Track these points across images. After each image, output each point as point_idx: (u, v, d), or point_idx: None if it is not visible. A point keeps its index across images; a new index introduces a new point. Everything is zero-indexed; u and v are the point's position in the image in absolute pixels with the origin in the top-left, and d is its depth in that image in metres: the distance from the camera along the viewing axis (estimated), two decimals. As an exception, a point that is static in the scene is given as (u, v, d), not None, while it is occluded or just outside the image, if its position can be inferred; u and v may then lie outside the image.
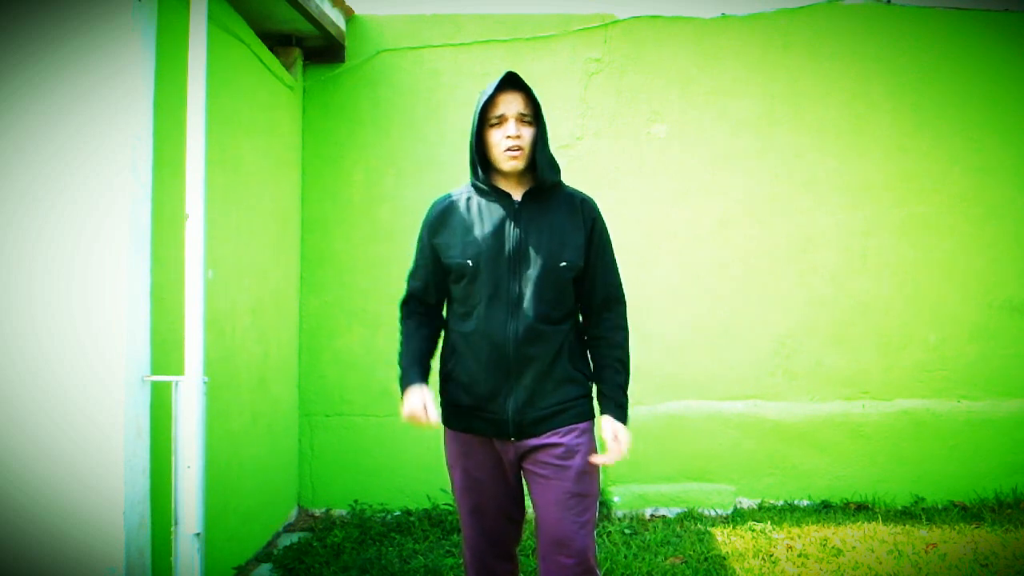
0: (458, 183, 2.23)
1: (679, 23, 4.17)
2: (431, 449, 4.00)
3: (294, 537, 3.71)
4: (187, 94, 2.19)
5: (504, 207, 2.05)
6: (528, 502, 2.16)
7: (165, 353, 2.48)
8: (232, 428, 3.21)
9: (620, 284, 2.17)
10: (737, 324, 4.14)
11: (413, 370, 2.07)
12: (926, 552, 3.42)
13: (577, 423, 2.05)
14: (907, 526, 3.76)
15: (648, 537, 3.63)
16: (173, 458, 2.16)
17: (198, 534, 2.15)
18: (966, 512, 3.95)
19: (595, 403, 2.13)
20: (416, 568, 3.29)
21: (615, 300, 2.14)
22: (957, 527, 3.73)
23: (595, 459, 2.04)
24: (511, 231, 2.03)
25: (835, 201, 4.16)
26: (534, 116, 2.04)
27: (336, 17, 3.97)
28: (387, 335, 4.09)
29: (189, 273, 2.18)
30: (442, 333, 2.21)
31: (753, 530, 3.71)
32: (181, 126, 2.24)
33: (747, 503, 4.10)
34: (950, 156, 4.17)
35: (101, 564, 2.10)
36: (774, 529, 3.73)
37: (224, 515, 3.10)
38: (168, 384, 2.22)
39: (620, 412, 2.08)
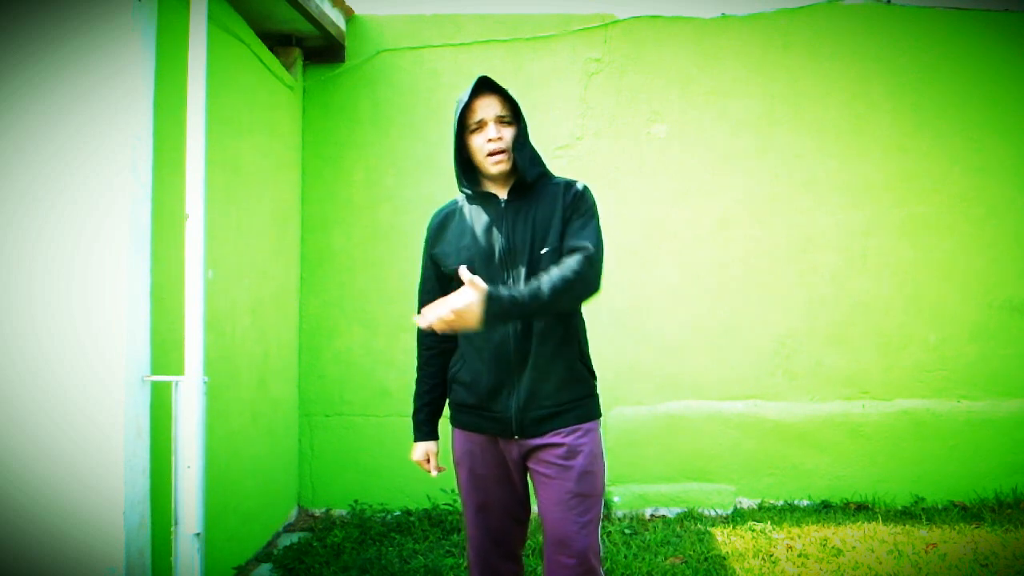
0: (442, 204, 2.25)
1: (679, 23, 4.17)
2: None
3: (294, 537, 3.71)
4: (187, 94, 2.19)
5: (492, 208, 2.08)
6: (532, 502, 2.17)
7: (165, 353, 2.48)
8: (232, 428, 3.21)
9: (597, 244, 1.99)
10: (737, 324, 4.14)
11: (420, 416, 2.23)
12: (926, 552, 3.42)
13: (580, 423, 2.05)
14: (907, 526, 3.76)
15: (648, 537, 3.63)
16: (173, 458, 2.16)
17: (198, 534, 2.15)
18: (966, 512, 3.95)
19: (599, 402, 2.14)
20: (416, 568, 3.29)
21: (582, 249, 1.95)
22: (957, 527, 3.73)
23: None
24: (500, 230, 2.05)
25: (835, 201, 4.16)
26: (513, 116, 2.05)
27: (336, 17, 3.97)
28: (387, 335, 4.09)
29: (189, 273, 2.18)
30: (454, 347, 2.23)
31: (753, 530, 3.71)
32: (181, 126, 2.24)
33: (747, 503, 4.10)
34: (950, 156, 4.17)
35: (101, 564, 2.10)
36: (774, 529, 3.73)
37: (224, 515, 3.10)
38: (168, 384, 2.22)
39: (496, 292, 1.83)
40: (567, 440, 2.02)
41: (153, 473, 2.26)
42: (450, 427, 2.19)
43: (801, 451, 4.11)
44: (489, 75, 2.10)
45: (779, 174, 4.16)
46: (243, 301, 3.33)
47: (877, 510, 3.99)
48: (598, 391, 2.14)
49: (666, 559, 3.37)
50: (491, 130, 2.02)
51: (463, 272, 1.85)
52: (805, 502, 4.10)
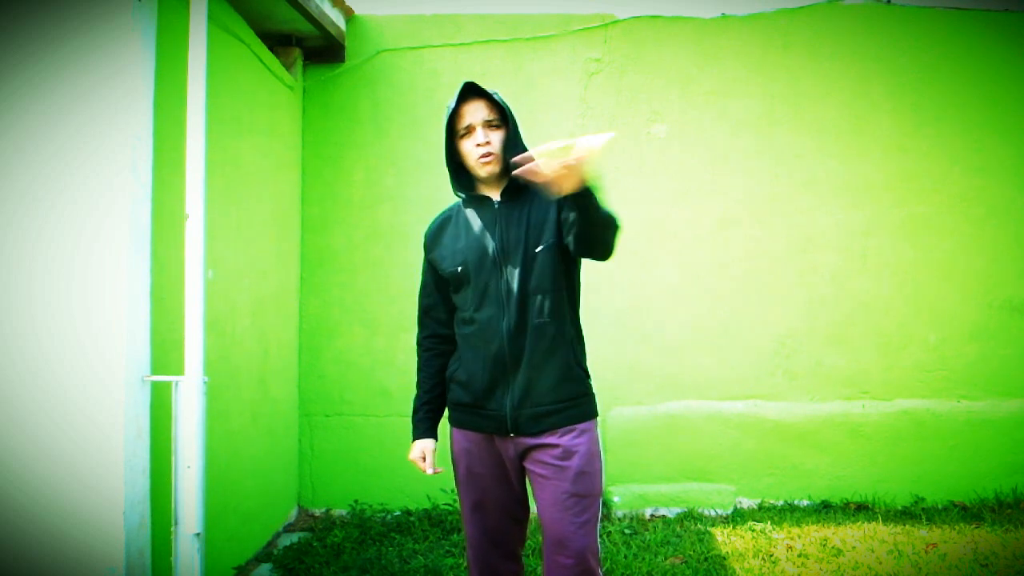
0: (440, 211, 2.25)
1: (679, 23, 4.17)
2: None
3: (294, 537, 3.71)
4: (187, 94, 2.19)
5: (487, 210, 2.11)
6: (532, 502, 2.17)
7: (165, 353, 2.48)
8: (232, 428, 3.21)
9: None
10: (737, 324, 4.14)
11: (419, 415, 2.23)
12: (926, 552, 3.42)
13: (576, 423, 2.05)
14: (907, 526, 3.76)
15: (648, 537, 3.63)
16: (173, 458, 2.16)
17: (198, 534, 2.15)
18: (966, 512, 3.95)
19: (595, 402, 2.14)
20: (416, 568, 3.29)
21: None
22: (957, 527, 3.73)
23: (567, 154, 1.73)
24: (493, 232, 2.07)
25: (835, 201, 4.16)
26: (501, 119, 2.06)
27: (336, 17, 3.97)
28: (387, 335, 4.09)
29: (189, 273, 2.18)
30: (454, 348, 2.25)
31: (753, 530, 3.71)
32: (181, 126, 2.24)
33: (747, 503, 4.10)
34: (950, 156, 4.17)
35: (101, 564, 2.10)
36: (774, 529, 3.73)
37: (224, 515, 3.10)
38: (168, 384, 2.22)
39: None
40: (562, 441, 2.03)
41: (153, 473, 2.26)
42: (449, 427, 2.20)
43: (801, 451, 4.11)
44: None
45: (779, 174, 4.16)
46: (243, 301, 3.33)
47: (877, 510, 3.99)
48: (594, 391, 2.14)
49: (666, 559, 3.37)
50: (479, 135, 2.04)
51: (596, 137, 1.68)
52: (805, 502, 4.10)
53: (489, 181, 2.10)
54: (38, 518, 2.10)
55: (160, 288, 2.44)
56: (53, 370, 2.12)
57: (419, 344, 2.28)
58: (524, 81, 4.10)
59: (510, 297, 2.03)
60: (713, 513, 4.00)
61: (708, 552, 3.44)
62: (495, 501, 2.12)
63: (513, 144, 2.06)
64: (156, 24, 2.27)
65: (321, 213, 4.14)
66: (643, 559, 3.35)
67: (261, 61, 3.53)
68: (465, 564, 2.34)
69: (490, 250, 2.06)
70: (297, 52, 4.03)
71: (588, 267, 2.22)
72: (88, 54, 2.14)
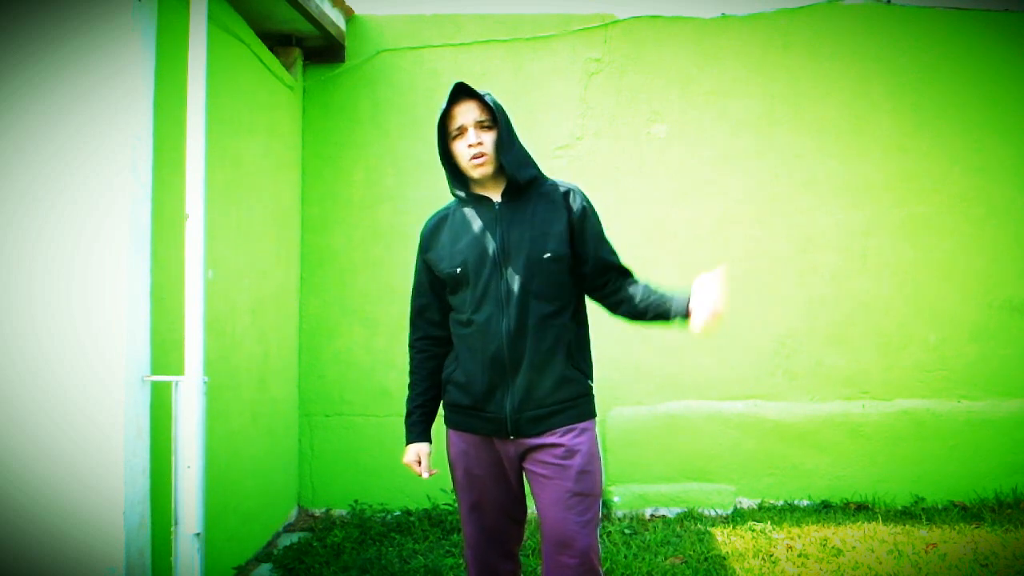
0: (435, 210, 2.25)
1: (679, 23, 4.17)
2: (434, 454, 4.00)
3: (294, 537, 3.71)
4: (187, 94, 2.19)
5: (486, 211, 2.10)
6: (530, 502, 2.17)
7: (165, 353, 2.48)
8: (232, 428, 3.21)
9: (619, 257, 2.18)
10: (737, 324, 4.14)
11: (413, 418, 2.20)
12: (926, 552, 3.42)
13: (576, 423, 2.06)
14: (907, 526, 3.76)
15: (648, 537, 3.63)
16: (173, 458, 2.16)
17: (198, 534, 2.15)
18: (966, 512, 3.95)
19: (595, 402, 2.14)
20: (416, 568, 3.29)
21: (620, 268, 2.17)
22: (957, 527, 3.73)
23: (699, 318, 1.94)
24: (494, 232, 2.06)
25: (835, 201, 4.16)
26: (492, 119, 2.06)
27: (336, 17, 3.97)
28: (387, 335, 4.09)
29: (189, 273, 2.18)
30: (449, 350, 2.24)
31: (753, 530, 3.71)
32: (181, 126, 2.24)
33: (747, 503, 4.10)
34: (950, 156, 4.17)
35: (101, 564, 2.10)
36: (774, 529, 3.73)
37: (224, 515, 3.10)
38: (168, 384, 2.22)
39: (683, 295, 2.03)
40: (564, 440, 2.03)
41: (153, 473, 2.26)
42: (444, 428, 2.19)
43: (801, 451, 4.11)
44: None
45: (779, 174, 4.16)
46: (243, 301, 3.33)
47: (877, 510, 3.99)
48: (593, 391, 2.14)
49: (666, 559, 3.37)
50: (470, 136, 2.04)
51: (711, 275, 1.95)
52: (805, 502, 4.10)
53: (485, 181, 2.10)
54: (38, 518, 2.10)
55: (160, 288, 2.44)
56: (53, 370, 2.12)
57: (412, 346, 2.25)
58: (524, 81, 4.10)
59: (510, 299, 2.02)
60: (713, 513, 4.01)
61: (708, 552, 3.44)
62: (493, 501, 2.12)
63: (506, 144, 2.06)
64: (156, 24, 2.27)
65: (321, 213, 4.14)
66: (643, 559, 3.35)
67: (261, 61, 3.53)
68: (464, 564, 2.34)
69: (490, 251, 2.05)
70: (297, 52, 4.03)
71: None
72: (88, 54, 2.14)
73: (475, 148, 2.04)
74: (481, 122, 2.05)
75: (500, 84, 4.02)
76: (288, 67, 3.96)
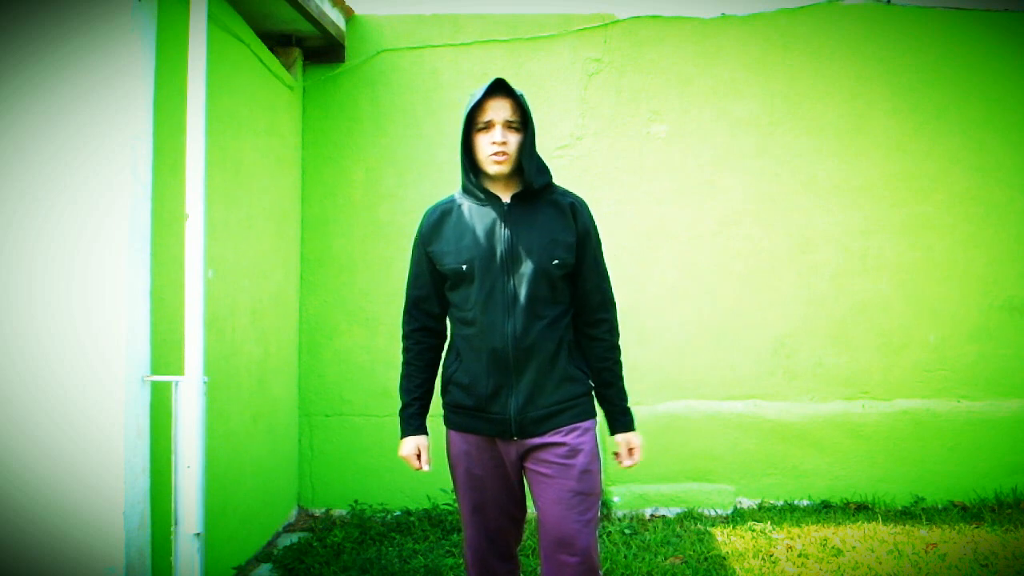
0: (457, 183, 2.23)
1: (679, 23, 4.17)
2: (431, 449, 3.99)
3: (294, 537, 3.71)
4: (187, 94, 2.19)
5: (494, 210, 2.08)
6: (529, 501, 2.17)
7: (165, 353, 2.48)
8: (232, 428, 3.21)
9: (611, 288, 2.20)
10: (737, 324, 4.14)
11: (411, 410, 2.17)
12: (926, 552, 3.42)
13: (579, 422, 2.06)
14: (907, 526, 3.76)
15: (648, 537, 3.63)
16: (173, 458, 2.16)
17: (198, 534, 2.15)
18: (966, 512, 3.95)
19: (595, 402, 2.14)
20: (416, 568, 3.29)
21: (610, 303, 2.19)
22: (957, 527, 3.73)
23: (619, 462, 2.17)
24: (502, 233, 2.05)
25: (835, 201, 4.16)
26: (522, 122, 2.05)
27: (336, 17, 3.97)
28: (387, 335, 4.09)
29: (189, 273, 2.18)
30: (445, 342, 2.24)
31: (753, 530, 3.72)
32: (181, 126, 2.25)
33: (747, 503, 4.10)
34: (950, 156, 4.17)
35: (101, 564, 2.10)
36: (774, 529, 3.73)
37: (224, 515, 3.10)
38: (168, 384, 2.22)
39: (626, 419, 2.15)
40: (567, 439, 2.03)
41: (153, 473, 2.26)
42: (444, 428, 2.18)
43: (801, 451, 4.11)
44: (489, 75, 2.12)
45: (779, 174, 4.16)
46: (243, 301, 3.33)
47: (877, 510, 3.99)
48: (593, 392, 2.15)
49: (666, 559, 3.37)
50: (497, 133, 2.02)
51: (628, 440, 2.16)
52: (805, 502, 4.10)
53: (498, 180, 2.08)
54: (38, 518, 2.10)
55: (160, 288, 2.44)
56: (53, 370, 2.12)
57: (407, 336, 2.21)
58: (524, 81, 4.10)
59: (517, 302, 2.02)
60: (713, 513, 4.01)
61: (708, 552, 3.44)
62: (494, 502, 2.12)
63: (528, 151, 2.04)
64: (156, 24, 2.27)
65: (321, 213, 4.14)
66: (643, 559, 3.35)
67: (261, 61, 3.53)
68: (464, 564, 2.34)
69: (498, 251, 2.04)
70: (297, 52, 4.03)
71: (588, 267, 2.22)
72: (88, 54, 2.14)
73: (499, 146, 2.01)
74: (510, 122, 2.03)
75: (500, 84, 4.02)
76: (288, 67, 3.96)
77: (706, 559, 3.36)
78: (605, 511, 4.00)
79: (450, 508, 3.94)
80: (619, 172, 4.14)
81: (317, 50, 4.11)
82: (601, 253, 2.19)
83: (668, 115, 4.15)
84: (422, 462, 2.14)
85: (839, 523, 3.80)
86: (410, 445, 2.15)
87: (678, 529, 3.77)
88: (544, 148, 4.08)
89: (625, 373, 2.20)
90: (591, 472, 2.05)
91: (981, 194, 4.17)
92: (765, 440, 4.11)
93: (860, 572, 3.21)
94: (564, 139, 4.12)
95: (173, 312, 2.50)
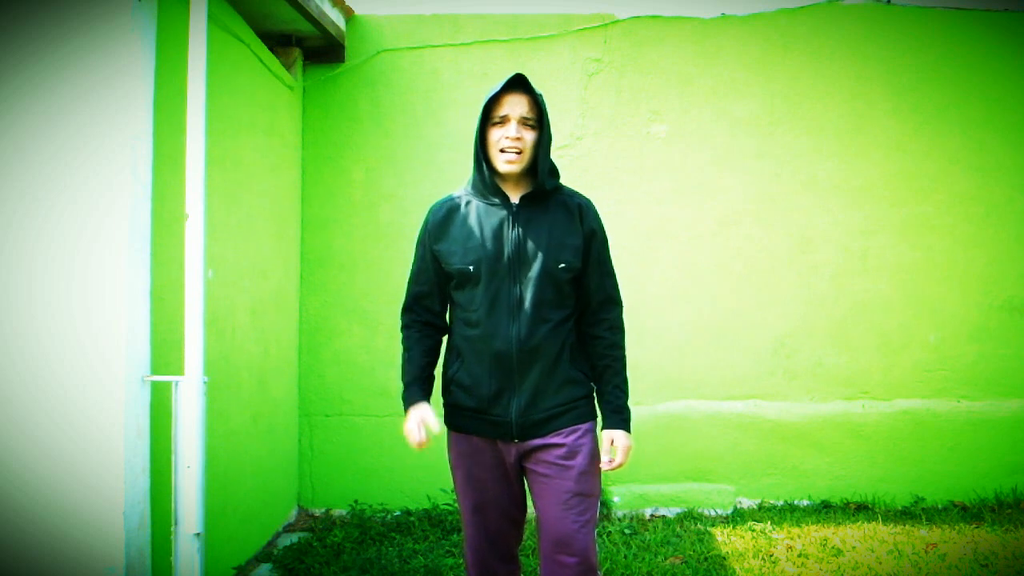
0: (457, 183, 2.23)
1: (679, 23, 4.17)
2: (431, 449, 3.95)
3: (294, 537, 3.71)
4: (187, 94, 2.19)
5: (503, 210, 2.06)
6: (528, 502, 2.17)
7: (165, 353, 2.48)
8: (232, 428, 3.21)
9: (617, 286, 2.19)
10: (737, 324, 4.14)
11: (414, 386, 2.12)
12: (926, 552, 3.42)
13: (579, 423, 2.06)
14: (907, 526, 3.76)
15: (648, 537, 3.63)
16: (173, 458, 2.16)
17: (198, 534, 2.15)
18: (966, 512, 3.95)
19: (595, 404, 2.14)
20: (416, 568, 3.29)
21: (613, 301, 2.17)
22: (957, 527, 3.73)
23: (603, 465, 2.08)
24: (509, 234, 2.04)
25: (835, 201, 4.16)
26: (537, 120, 2.03)
27: (336, 17, 3.97)
28: (387, 335, 4.09)
29: (189, 273, 2.18)
30: (445, 339, 2.22)
31: (753, 530, 3.72)
32: (181, 126, 2.24)
33: (747, 503, 4.10)
34: (950, 156, 4.17)
35: (101, 564, 2.10)
36: (774, 529, 3.73)
37: (224, 515, 3.10)
38: (168, 384, 2.22)
39: (617, 418, 2.10)
40: (567, 440, 2.03)
41: (153, 473, 2.26)
42: (446, 430, 2.17)
43: (801, 451, 4.11)
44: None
45: (779, 174, 4.16)
46: (243, 301, 3.33)
47: (877, 510, 3.99)
48: (594, 393, 2.15)
49: (666, 559, 3.37)
50: (511, 128, 2.00)
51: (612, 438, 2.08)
52: (805, 502, 4.10)
53: (508, 179, 2.07)
54: (38, 518, 2.10)
55: (160, 288, 2.44)
56: (53, 370, 2.12)
57: (407, 326, 2.18)
58: (524, 81, 4.10)
59: (522, 305, 2.01)
60: (713, 513, 4.01)
61: (708, 552, 3.44)
62: (495, 503, 2.11)
63: (544, 151, 2.03)
64: (156, 24, 2.27)
65: (321, 213, 4.14)
66: (643, 559, 3.35)
67: (261, 61, 3.53)
68: (464, 564, 2.34)
69: (505, 253, 2.03)
70: (297, 52, 4.03)
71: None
72: (88, 54, 2.14)
73: (512, 142, 2.00)
74: (526, 119, 2.02)
75: (500, 84, 4.02)
76: (288, 67, 3.96)
77: (706, 559, 3.36)
78: (605, 511, 4.00)
79: (450, 508, 3.94)
80: (619, 172, 4.14)
81: (317, 50, 4.11)
82: (607, 253, 2.17)
83: (668, 115, 4.15)
84: (432, 423, 2.03)
85: (839, 523, 3.80)
86: (413, 417, 2.06)
87: (678, 529, 3.77)
88: (544, 148, 4.08)
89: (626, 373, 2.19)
90: (590, 473, 2.05)
91: (981, 194, 4.17)
92: (765, 440, 4.11)
93: (860, 572, 3.21)
94: (564, 139, 4.12)
95: (173, 312, 2.50)
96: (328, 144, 4.15)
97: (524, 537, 2.29)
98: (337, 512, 4.08)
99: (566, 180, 2.22)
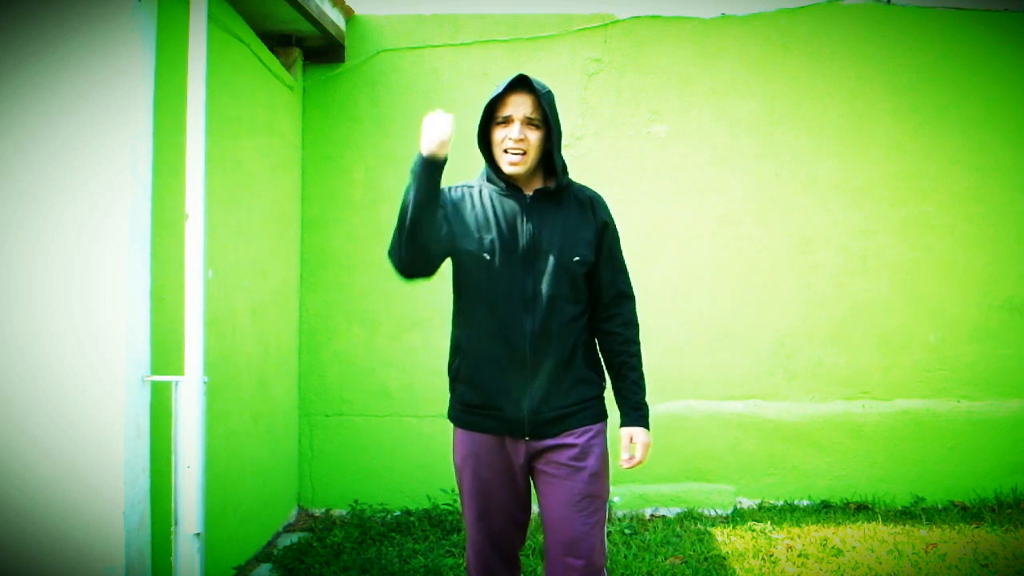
0: (456, 183, 2.22)
1: (679, 23, 4.17)
2: (431, 449, 4.00)
3: (294, 537, 3.71)
4: (187, 94, 2.19)
5: (516, 202, 2.04)
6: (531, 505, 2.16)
7: (165, 353, 2.48)
8: (232, 428, 3.21)
9: (629, 280, 2.17)
10: (737, 324, 4.14)
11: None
12: (926, 552, 3.42)
13: (591, 424, 2.05)
14: (907, 526, 3.76)
15: (648, 537, 3.63)
16: (173, 458, 2.16)
17: (198, 534, 2.15)
18: (966, 512, 3.95)
19: (605, 404, 2.14)
20: (416, 568, 3.29)
21: (626, 296, 2.16)
22: (957, 527, 3.73)
23: (622, 464, 2.10)
24: (524, 227, 2.02)
25: (835, 201, 4.16)
26: (542, 119, 2.02)
27: (336, 17, 3.97)
28: (387, 335, 4.09)
29: (189, 273, 2.18)
30: (448, 336, 2.19)
31: (753, 530, 3.72)
32: (181, 126, 2.24)
33: (747, 503, 4.10)
34: (950, 156, 4.17)
35: (101, 564, 2.10)
36: (774, 529, 3.73)
37: (224, 515, 3.10)
38: (168, 384, 2.22)
39: (636, 414, 2.11)
40: (579, 441, 2.01)
41: (153, 473, 2.26)
42: (452, 428, 2.15)
43: (801, 451, 4.11)
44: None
45: (779, 174, 4.16)
46: (243, 301, 3.33)
47: (877, 510, 3.99)
48: (604, 393, 2.14)
49: (666, 559, 3.37)
50: (515, 130, 1.99)
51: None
52: (805, 502, 4.10)
53: (517, 177, 2.05)
54: (38, 518, 2.10)
55: (160, 288, 2.44)
56: (53, 370, 2.12)
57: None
58: (524, 81, 4.10)
59: (537, 299, 1.98)
60: (713, 513, 4.01)
61: (708, 552, 3.44)
62: (501, 506, 2.08)
63: (558, 147, 2.02)
64: (156, 24, 2.27)
65: (321, 213, 4.14)
66: (643, 559, 3.35)
67: (261, 61, 3.53)
68: (465, 564, 2.33)
69: (520, 245, 2.00)
70: (297, 52, 4.03)
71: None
72: (88, 54, 2.14)
73: (517, 144, 1.98)
74: (530, 119, 2.00)
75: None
76: (288, 67, 3.96)
77: (706, 559, 3.36)
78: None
79: (450, 508, 3.94)
80: (619, 172, 4.14)
81: (317, 50, 4.11)
82: (619, 246, 2.15)
83: (668, 115, 4.15)
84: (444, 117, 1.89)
85: (839, 523, 3.80)
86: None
87: (678, 529, 3.77)
88: (544, 148, 4.08)
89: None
90: (600, 475, 2.04)
91: (981, 194, 4.17)
92: (765, 440, 4.11)
93: (860, 572, 3.21)
94: (564, 139, 4.09)
95: (173, 312, 2.50)
96: (328, 144, 4.15)
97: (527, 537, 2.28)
98: (337, 512, 4.08)
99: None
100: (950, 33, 4.16)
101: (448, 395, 2.17)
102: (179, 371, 2.27)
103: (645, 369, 2.20)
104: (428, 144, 1.88)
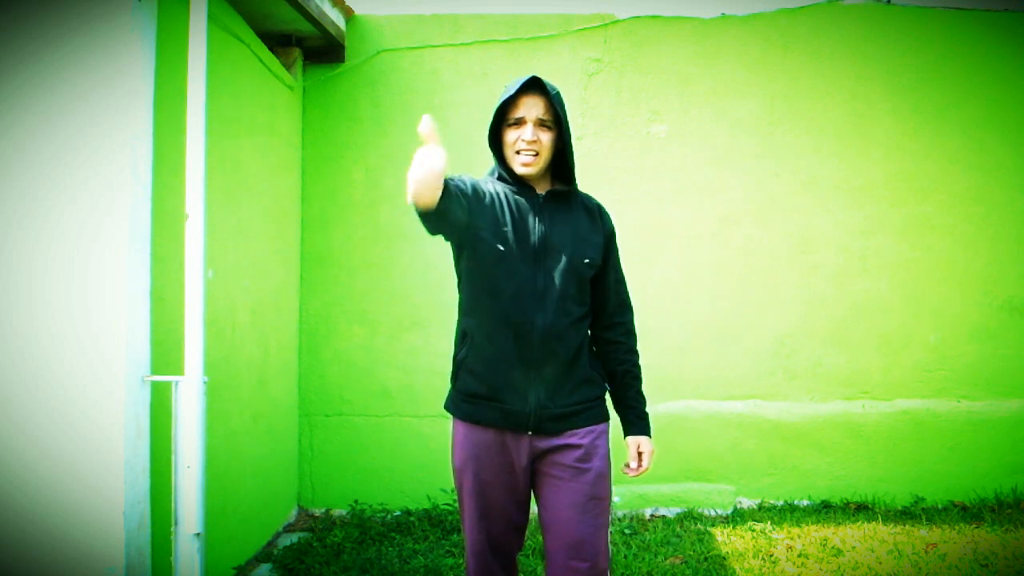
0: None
1: (679, 23, 4.17)
2: (431, 449, 4.00)
3: (294, 537, 3.71)
4: (187, 94, 2.19)
5: (528, 200, 2.06)
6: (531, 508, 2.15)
7: (165, 353, 2.48)
8: (232, 428, 3.21)
9: (628, 292, 2.22)
10: (737, 324, 4.14)
11: None
12: (926, 552, 3.42)
13: (594, 424, 2.05)
14: (907, 526, 3.76)
15: (648, 537, 3.63)
16: (173, 458, 2.16)
17: (198, 534, 2.15)
18: (966, 512, 3.95)
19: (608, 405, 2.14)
20: (416, 568, 3.29)
21: (627, 306, 2.20)
22: (957, 527, 3.73)
23: (629, 472, 2.14)
24: (535, 224, 2.03)
25: (835, 201, 4.16)
26: (554, 120, 2.03)
27: (336, 17, 3.97)
28: (387, 335, 4.09)
29: (189, 273, 2.18)
30: (454, 325, 2.16)
31: (753, 530, 3.72)
32: (181, 126, 2.24)
33: (747, 503, 4.10)
34: (950, 156, 4.17)
35: (101, 564, 2.10)
36: (774, 529, 3.73)
37: (224, 515, 3.10)
38: (168, 384, 2.22)
39: (642, 423, 2.17)
40: (584, 441, 2.01)
41: (153, 473, 2.26)
42: (452, 422, 2.11)
43: (801, 451, 4.11)
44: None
45: (779, 174, 4.16)
46: (243, 301, 3.33)
47: (877, 510, 3.99)
48: (609, 395, 2.15)
49: (666, 559, 3.37)
50: (527, 131, 2.00)
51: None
52: (805, 502, 4.10)
53: (529, 177, 2.05)
54: (38, 518, 2.10)
55: (160, 288, 2.44)
56: (53, 370, 2.12)
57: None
58: (524, 81, 4.10)
59: (548, 295, 1.99)
60: (713, 513, 4.01)
61: (708, 552, 3.44)
62: (501, 509, 2.06)
63: (570, 148, 2.04)
64: (156, 24, 2.27)
65: (321, 213, 4.14)
66: (643, 559, 3.35)
67: (261, 61, 3.53)
68: (464, 565, 2.33)
69: (531, 241, 2.01)
70: (297, 52, 4.03)
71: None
72: (88, 54, 2.14)
73: (530, 145, 2.00)
74: (543, 121, 2.01)
75: (500, 84, 4.02)
76: (288, 67, 3.96)
77: (706, 559, 3.36)
78: (605, 511, 4.00)
79: (450, 508, 3.94)
80: (619, 172, 4.14)
81: (317, 50, 4.11)
82: (619, 257, 2.19)
83: (668, 115, 4.15)
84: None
85: (839, 523, 3.80)
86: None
87: (678, 529, 3.77)
88: (544, 148, 4.08)
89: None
90: (605, 476, 2.04)
91: (981, 194, 4.17)
92: (765, 440, 4.11)
93: (860, 572, 3.21)
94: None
95: (173, 312, 2.50)
96: (328, 144, 4.15)
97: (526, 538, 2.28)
98: (337, 512, 4.08)
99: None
100: (950, 33, 4.16)
101: (448, 386, 2.14)
102: (179, 371, 2.27)
103: (645, 369, 2.24)
104: (414, 187, 1.83)
